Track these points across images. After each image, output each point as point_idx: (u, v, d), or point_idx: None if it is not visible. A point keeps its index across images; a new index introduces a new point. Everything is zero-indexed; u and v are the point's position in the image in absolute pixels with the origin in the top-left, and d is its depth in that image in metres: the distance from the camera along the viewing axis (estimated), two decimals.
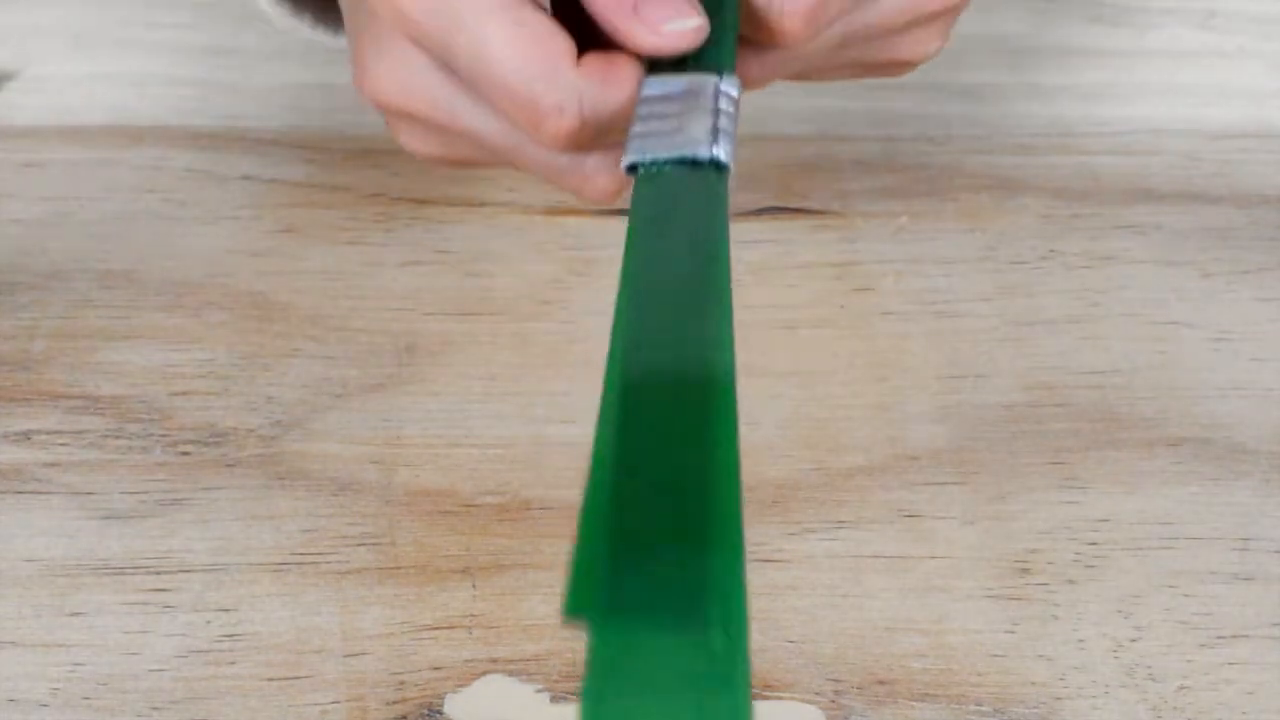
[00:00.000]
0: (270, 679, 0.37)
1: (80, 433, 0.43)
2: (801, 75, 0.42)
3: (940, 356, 0.46)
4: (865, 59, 0.42)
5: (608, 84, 0.37)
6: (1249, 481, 0.42)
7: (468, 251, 0.49)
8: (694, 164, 0.34)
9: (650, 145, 0.34)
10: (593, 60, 0.37)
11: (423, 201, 0.51)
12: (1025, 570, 0.40)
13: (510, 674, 0.37)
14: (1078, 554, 0.40)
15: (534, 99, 0.36)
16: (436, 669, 0.37)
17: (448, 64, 0.38)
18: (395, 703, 0.36)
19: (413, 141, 0.41)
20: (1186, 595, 0.39)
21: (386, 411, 0.44)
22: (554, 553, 0.40)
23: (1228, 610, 0.39)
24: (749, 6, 0.37)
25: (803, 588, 0.39)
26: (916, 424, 0.44)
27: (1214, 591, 0.39)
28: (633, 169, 0.34)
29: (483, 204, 0.51)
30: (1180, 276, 0.49)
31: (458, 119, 0.39)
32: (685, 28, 0.37)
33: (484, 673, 0.37)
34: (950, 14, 0.41)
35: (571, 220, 0.51)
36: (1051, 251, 0.50)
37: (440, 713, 0.36)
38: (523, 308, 0.47)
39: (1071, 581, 0.39)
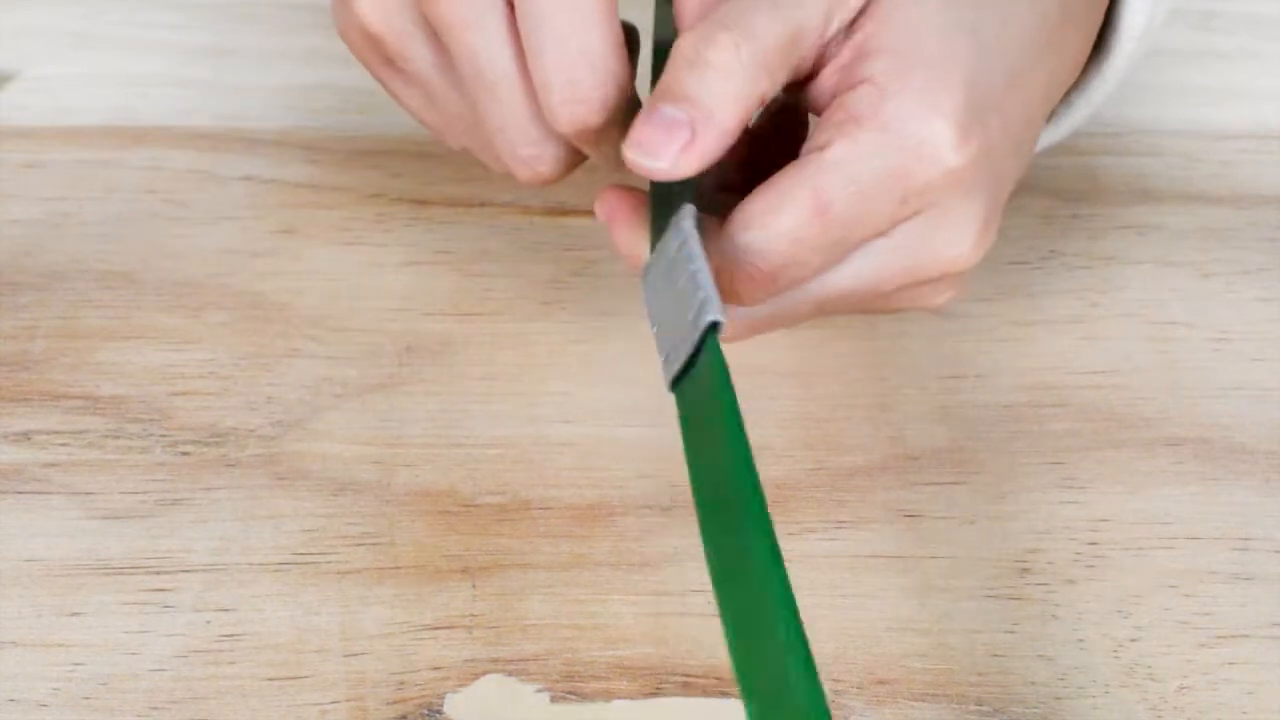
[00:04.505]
0: (270, 679, 0.37)
1: (80, 433, 0.43)
2: (784, 324, 0.40)
3: (940, 356, 0.46)
4: (859, 309, 0.40)
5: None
6: (1249, 481, 0.42)
7: (468, 252, 0.49)
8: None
9: (668, 348, 0.34)
10: None
11: (423, 202, 0.51)
12: (1025, 570, 0.39)
13: (510, 674, 0.37)
14: (1077, 554, 0.40)
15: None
16: (436, 669, 0.37)
17: None
18: (395, 703, 0.36)
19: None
20: (1186, 595, 0.39)
21: (386, 411, 0.44)
22: (554, 552, 0.40)
23: (1228, 610, 0.39)
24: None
25: (803, 588, 0.39)
26: (916, 424, 0.44)
27: (1214, 591, 0.39)
28: (674, 385, 0.34)
29: (483, 204, 0.51)
30: (1180, 276, 0.49)
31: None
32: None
33: (484, 673, 0.37)
34: (955, 276, 0.38)
35: (571, 221, 0.51)
36: (1051, 252, 0.50)
37: (440, 713, 0.36)
38: (523, 308, 0.47)
39: (1071, 581, 0.39)
